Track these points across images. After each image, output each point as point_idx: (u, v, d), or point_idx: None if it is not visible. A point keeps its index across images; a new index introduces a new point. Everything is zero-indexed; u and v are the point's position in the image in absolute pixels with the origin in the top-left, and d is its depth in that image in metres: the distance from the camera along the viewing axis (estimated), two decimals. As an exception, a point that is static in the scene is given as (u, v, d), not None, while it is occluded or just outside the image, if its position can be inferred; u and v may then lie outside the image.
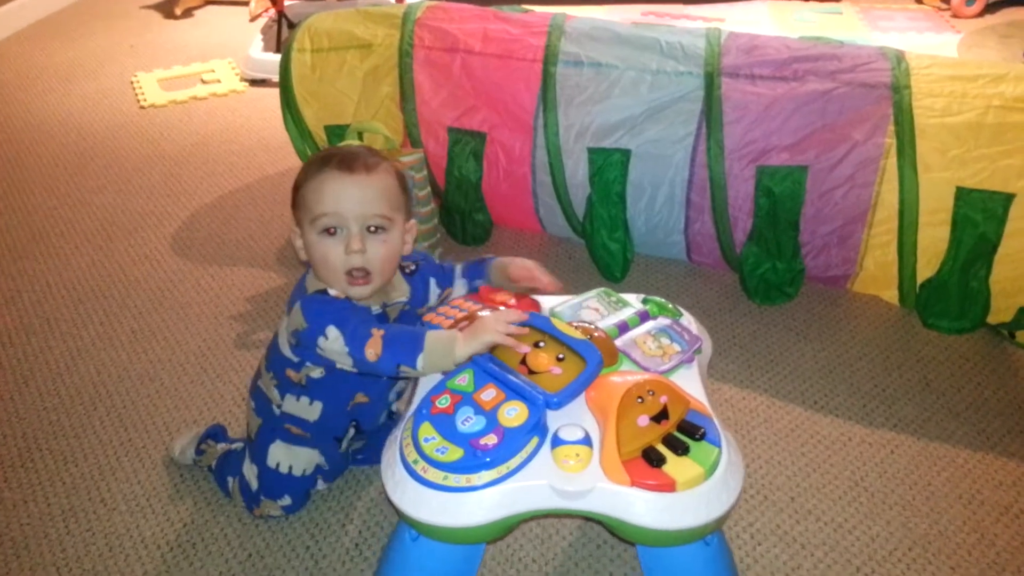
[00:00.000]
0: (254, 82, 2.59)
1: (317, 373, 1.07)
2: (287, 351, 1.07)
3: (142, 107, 2.47)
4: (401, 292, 1.10)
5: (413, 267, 1.13)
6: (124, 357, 1.51)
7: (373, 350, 0.95)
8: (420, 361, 0.94)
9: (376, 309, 1.06)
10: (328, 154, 1.03)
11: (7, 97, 2.57)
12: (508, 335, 0.94)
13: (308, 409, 1.11)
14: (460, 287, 1.17)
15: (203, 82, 2.61)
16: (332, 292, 1.02)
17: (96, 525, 1.20)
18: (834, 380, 1.42)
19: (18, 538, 1.19)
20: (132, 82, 2.63)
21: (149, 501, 1.24)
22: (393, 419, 1.24)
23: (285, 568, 1.13)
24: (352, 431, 1.17)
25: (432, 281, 1.15)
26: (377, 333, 0.96)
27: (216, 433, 1.27)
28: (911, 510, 1.19)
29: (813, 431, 1.32)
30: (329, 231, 1.00)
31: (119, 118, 2.41)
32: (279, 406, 1.12)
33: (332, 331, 0.97)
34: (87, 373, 1.48)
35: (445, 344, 0.95)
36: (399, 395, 1.20)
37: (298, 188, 1.03)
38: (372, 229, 1.01)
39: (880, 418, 1.34)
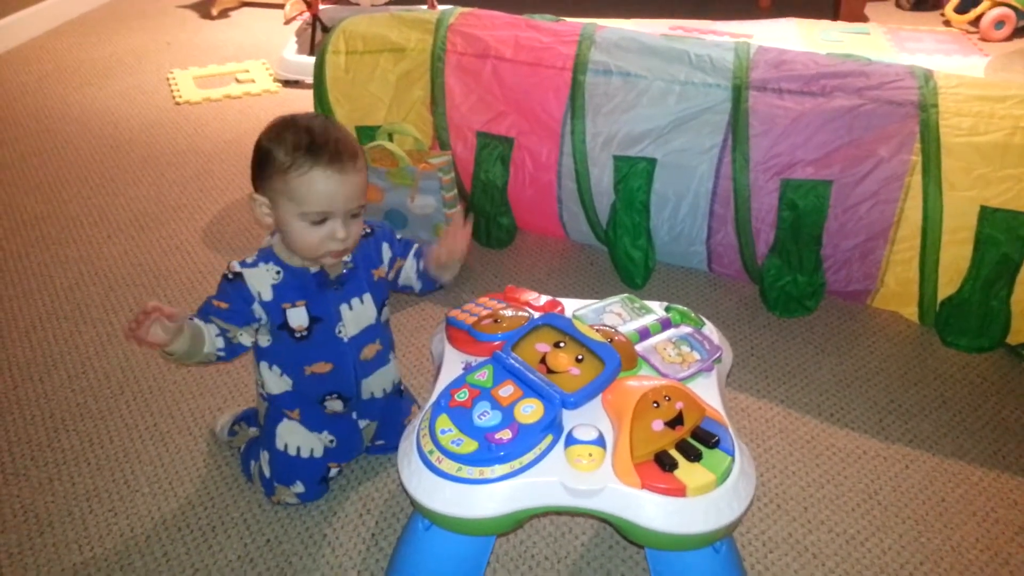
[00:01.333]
0: (287, 83, 2.63)
1: (247, 340, 1.11)
2: None
3: (177, 103, 2.52)
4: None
5: (368, 231, 1.16)
6: (152, 344, 1.55)
7: None
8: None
9: (313, 268, 1.10)
10: (313, 142, 1.00)
11: (46, 90, 2.63)
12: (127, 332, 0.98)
13: (280, 380, 1.15)
14: (410, 265, 1.20)
15: (237, 81, 2.66)
16: (231, 265, 1.08)
17: (119, 506, 1.23)
18: (851, 394, 1.43)
19: (43, 515, 1.22)
20: (168, 79, 2.69)
21: (171, 485, 1.26)
22: (403, 396, 1.27)
23: (303, 555, 1.15)
24: (336, 399, 1.17)
25: (385, 246, 1.18)
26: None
27: (250, 416, 1.30)
28: (924, 525, 1.20)
29: (828, 443, 1.33)
30: (317, 222, 1.03)
31: (154, 113, 2.47)
32: (262, 384, 1.16)
33: (215, 302, 1.07)
34: (115, 359, 1.52)
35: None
36: (386, 358, 1.22)
37: (275, 166, 1.01)
38: (352, 215, 1.06)
39: (896, 433, 1.35)
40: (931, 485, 1.26)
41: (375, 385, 1.21)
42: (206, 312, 1.07)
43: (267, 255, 1.09)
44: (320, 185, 1.01)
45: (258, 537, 1.18)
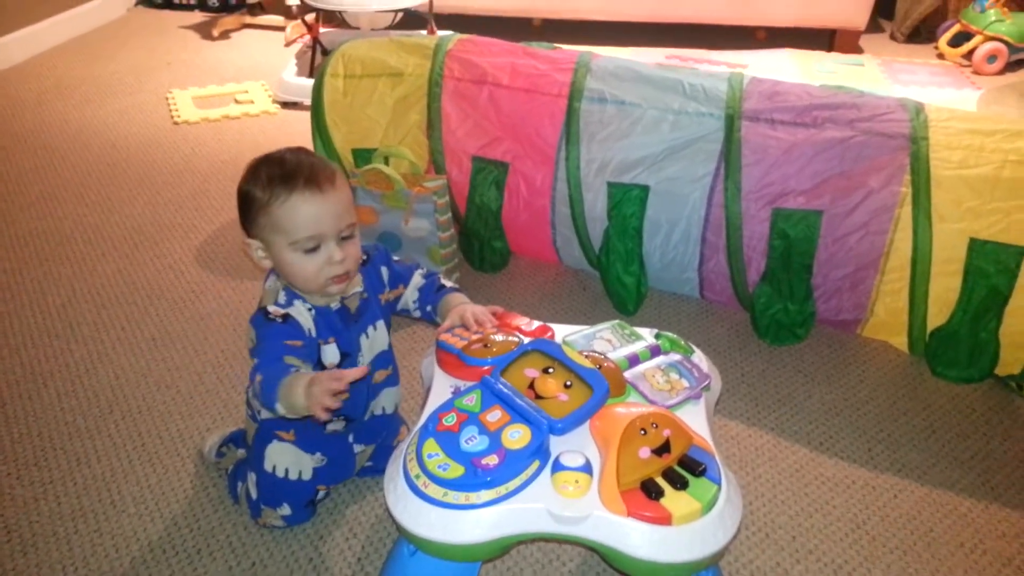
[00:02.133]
0: (286, 104, 2.65)
1: None
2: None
3: (175, 123, 2.54)
4: (356, 283, 1.14)
5: (365, 257, 1.16)
6: (143, 363, 1.55)
7: (253, 390, 1.03)
8: (279, 407, 0.97)
9: (335, 305, 1.10)
10: (285, 172, 1.01)
11: (45, 106, 2.64)
12: (325, 407, 0.92)
13: None
14: (412, 294, 1.20)
15: (236, 102, 2.68)
16: (271, 309, 1.05)
17: (104, 526, 1.22)
18: (840, 422, 1.43)
19: (27, 536, 1.21)
20: (167, 98, 2.71)
21: (158, 505, 1.26)
22: (397, 415, 1.27)
23: (281, 568, 1.15)
24: (340, 420, 1.17)
25: (384, 270, 1.18)
26: (257, 379, 0.99)
27: (238, 438, 1.29)
28: (912, 555, 1.19)
29: (817, 472, 1.33)
30: (310, 250, 1.03)
31: (153, 132, 2.48)
32: (258, 411, 1.15)
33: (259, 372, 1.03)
34: (105, 377, 1.51)
35: (292, 394, 0.95)
36: (394, 380, 1.22)
37: (256, 204, 1.02)
38: (344, 236, 1.06)
39: (884, 462, 1.35)
40: (919, 515, 1.26)
41: (377, 407, 1.22)
42: (278, 358, 1.00)
43: (291, 294, 1.07)
44: (303, 210, 1.01)
45: (243, 560, 1.17)
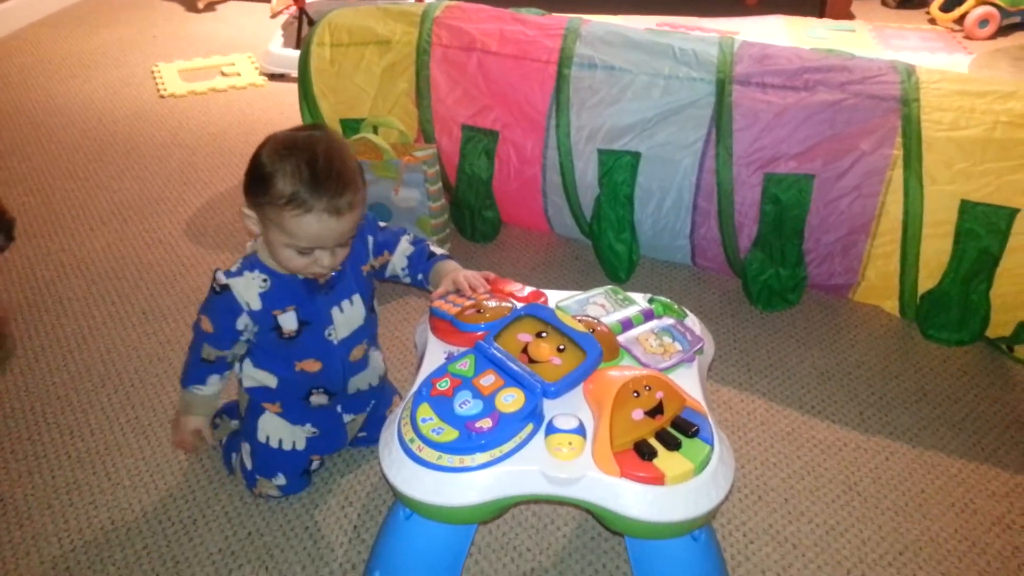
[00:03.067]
0: (273, 76, 2.62)
1: (243, 349, 1.13)
2: None
3: (162, 96, 2.51)
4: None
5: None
6: (134, 337, 1.54)
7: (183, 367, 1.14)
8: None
9: (301, 275, 1.09)
10: (313, 185, 0.97)
11: (30, 82, 2.61)
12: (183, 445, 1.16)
13: (263, 375, 1.14)
14: (400, 261, 1.19)
15: (223, 74, 2.65)
16: (218, 276, 1.07)
17: (99, 498, 1.23)
18: (832, 386, 1.44)
19: (22, 508, 1.21)
20: (153, 72, 2.67)
21: (153, 477, 1.26)
22: (385, 388, 1.28)
23: (284, 547, 1.15)
24: (323, 393, 1.17)
25: (370, 239, 1.17)
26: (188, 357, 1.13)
27: (231, 409, 1.29)
28: (903, 516, 1.20)
29: (809, 435, 1.34)
30: (304, 251, 1.02)
31: (139, 106, 2.45)
32: (243, 378, 1.16)
33: (204, 321, 1.09)
34: (97, 351, 1.51)
35: (180, 406, 1.15)
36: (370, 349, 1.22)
37: (269, 196, 0.99)
38: (341, 244, 1.05)
39: (876, 425, 1.36)
40: (910, 476, 1.27)
41: (362, 382, 1.21)
42: (196, 348, 1.11)
43: (252, 263, 1.08)
44: (314, 228, 0.99)
45: (239, 530, 1.18)
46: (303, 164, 0.97)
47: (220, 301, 1.07)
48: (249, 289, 1.06)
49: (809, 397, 1.41)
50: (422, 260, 1.18)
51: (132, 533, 1.17)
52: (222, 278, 1.06)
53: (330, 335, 1.12)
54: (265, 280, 1.07)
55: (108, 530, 1.18)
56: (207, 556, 1.14)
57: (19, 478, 1.26)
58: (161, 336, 1.54)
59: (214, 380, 1.12)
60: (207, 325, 1.08)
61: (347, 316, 1.13)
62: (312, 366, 1.13)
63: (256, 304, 1.07)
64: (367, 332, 1.18)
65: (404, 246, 1.19)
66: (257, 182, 1.00)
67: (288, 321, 1.09)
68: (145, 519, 1.19)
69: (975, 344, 1.51)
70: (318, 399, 1.17)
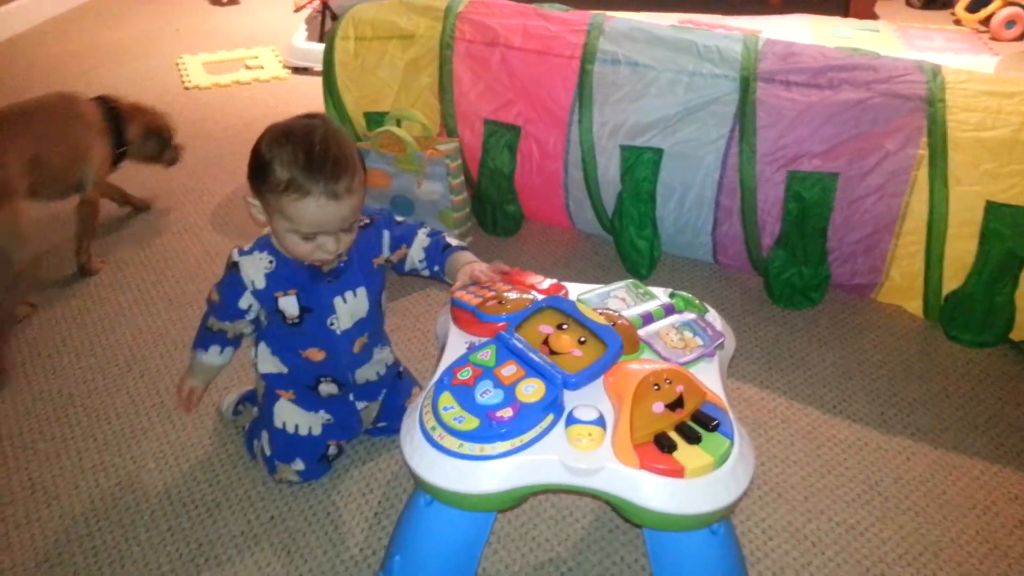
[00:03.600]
0: (296, 70, 2.64)
1: (247, 328, 1.17)
2: None
3: (186, 88, 2.53)
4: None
5: (367, 221, 1.16)
6: (160, 324, 1.56)
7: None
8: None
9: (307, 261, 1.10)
10: (309, 168, 0.98)
11: (57, 72, 2.64)
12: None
13: (274, 361, 1.17)
14: (417, 253, 1.20)
15: (247, 67, 2.67)
16: (233, 253, 1.11)
17: (125, 480, 1.25)
18: (853, 386, 1.43)
19: (50, 488, 1.23)
20: (177, 64, 2.70)
21: (178, 461, 1.28)
22: (402, 379, 1.29)
23: (306, 532, 1.16)
24: (332, 383, 1.19)
25: (386, 234, 1.18)
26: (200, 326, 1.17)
27: (251, 396, 1.30)
28: (924, 517, 1.20)
29: (830, 434, 1.34)
30: (308, 237, 1.04)
31: (164, 97, 2.48)
32: (257, 364, 1.19)
33: (213, 292, 1.14)
34: (123, 336, 1.53)
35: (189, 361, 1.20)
36: (381, 344, 1.24)
37: (269, 184, 1.00)
38: (344, 229, 1.06)
39: (898, 425, 1.35)
40: (932, 478, 1.26)
41: (369, 372, 1.23)
42: (205, 315, 1.16)
43: (264, 243, 1.11)
44: (313, 212, 1.00)
45: (262, 514, 1.19)
46: (299, 150, 0.99)
47: (229, 277, 1.11)
48: (256, 268, 1.10)
49: (830, 396, 1.41)
50: (437, 252, 1.19)
51: (157, 515, 1.19)
52: (235, 255, 1.11)
53: (332, 324, 1.13)
54: (271, 261, 1.10)
55: (134, 511, 1.20)
56: (230, 539, 1.15)
57: (47, 459, 1.28)
58: (187, 323, 1.56)
59: (215, 350, 1.16)
60: (214, 296, 1.14)
61: (350, 306, 1.14)
62: (316, 355, 1.15)
63: (261, 283, 1.10)
64: (370, 325, 1.19)
65: (421, 239, 1.20)
66: (257, 170, 1.02)
67: (289, 305, 1.11)
68: (169, 501, 1.21)
69: (999, 346, 1.50)
70: (327, 388, 1.19)
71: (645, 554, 1.14)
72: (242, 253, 1.10)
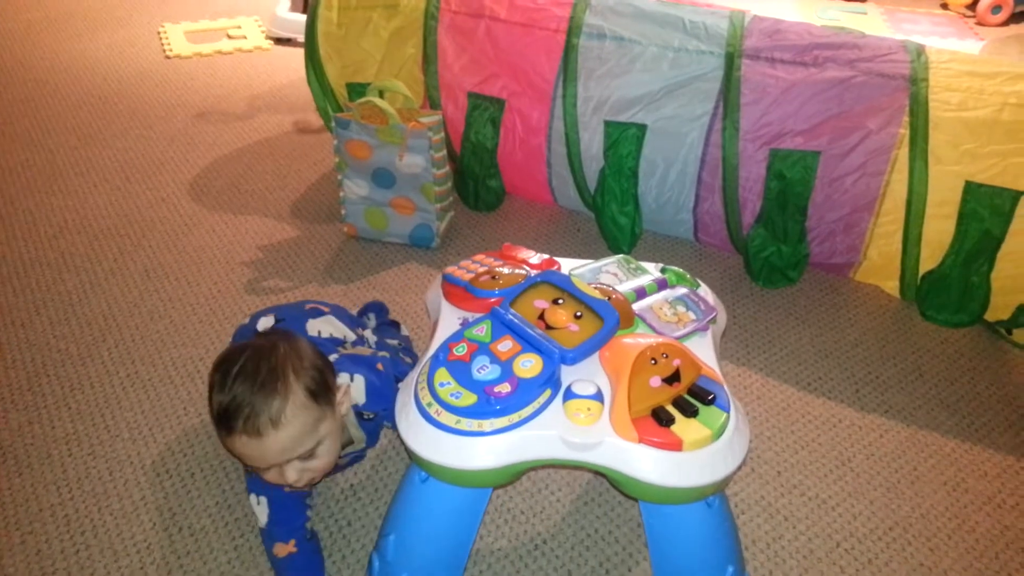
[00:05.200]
0: (279, 41, 2.61)
1: None
2: None
3: (167, 57, 2.50)
4: (359, 441, 1.12)
5: (372, 416, 1.10)
6: (135, 294, 1.54)
7: (278, 554, 1.03)
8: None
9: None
10: (226, 409, 0.92)
11: (35, 38, 2.59)
12: None
13: None
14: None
15: (229, 37, 2.63)
16: None
17: (98, 450, 1.24)
18: (829, 364, 1.44)
19: (21, 457, 1.22)
20: (159, 32, 2.66)
21: (152, 431, 1.27)
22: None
23: (280, 502, 1.16)
24: None
25: (386, 425, 1.13)
26: (287, 547, 1.03)
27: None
28: (895, 492, 1.21)
29: (804, 411, 1.35)
30: (263, 468, 0.98)
31: (144, 66, 2.44)
32: None
33: (261, 500, 1.04)
34: (98, 306, 1.51)
35: None
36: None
37: (210, 408, 0.96)
38: (305, 456, 0.98)
39: (872, 403, 1.36)
40: (904, 454, 1.28)
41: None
42: (294, 515, 1.06)
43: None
44: (241, 449, 0.95)
45: (237, 485, 1.18)
46: (215, 401, 0.93)
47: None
48: None
49: (806, 374, 1.42)
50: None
51: (130, 484, 1.18)
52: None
53: None
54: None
55: (106, 481, 1.19)
56: (204, 509, 1.15)
57: (19, 428, 1.27)
58: (162, 294, 1.55)
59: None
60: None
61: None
62: None
63: None
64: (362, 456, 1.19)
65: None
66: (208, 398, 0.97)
67: None
68: (143, 471, 1.20)
69: (974, 327, 1.52)
70: None
71: (619, 526, 1.15)
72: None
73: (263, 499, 1.04)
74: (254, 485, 1.04)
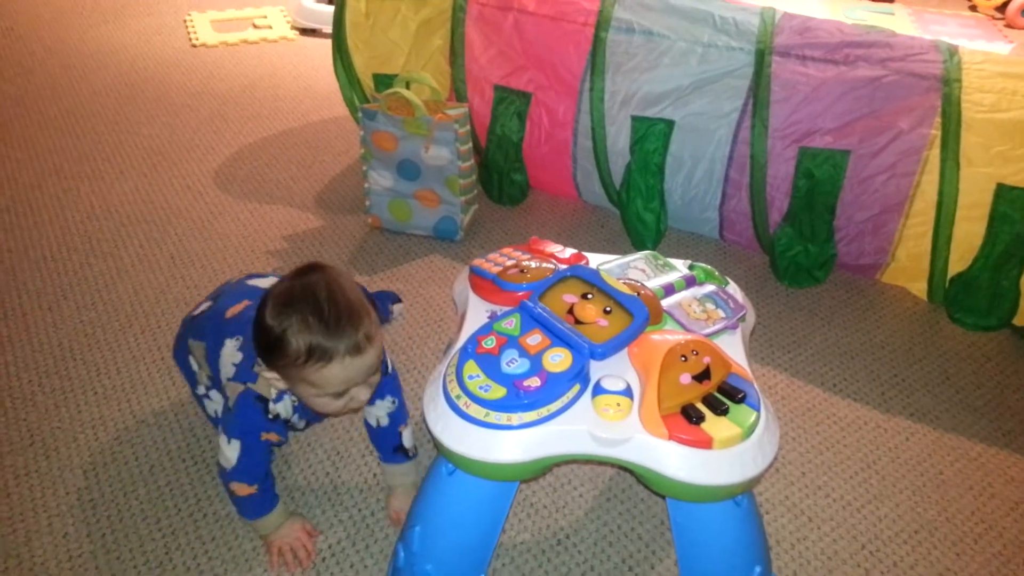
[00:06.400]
0: (304, 31, 2.61)
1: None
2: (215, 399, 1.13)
3: (193, 45, 2.51)
4: None
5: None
6: (162, 280, 1.55)
7: (237, 492, 1.05)
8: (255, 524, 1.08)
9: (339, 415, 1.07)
10: (327, 336, 0.93)
11: (63, 24, 2.61)
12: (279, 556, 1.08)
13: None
14: (373, 417, 1.14)
15: (255, 27, 2.64)
16: (271, 408, 1.04)
17: (124, 435, 1.25)
18: (855, 366, 1.43)
19: (48, 440, 1.23)
20: (185, 21, 2.67)
21: (177, 417, 1.27)
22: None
23: (304, 490, 1.17)
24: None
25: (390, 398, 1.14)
26: (249, 488, 1.05)
27: None
28: (921, 496, 1.20)
29: (829, 412, 1.34)
30: (338, 394, 0.99)
31: (171, 54, 2.45)
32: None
33: (234, 444, 1.03)
34: (125, 292, 1.52)
35: (266, 525, 1.09)
36: None
37: (287, 359, 0.94)
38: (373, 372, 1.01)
39: (897, 406, 1.35)
40: (930, 458, 1.26)
41: None
42: (260, 463, 1.06)
43: (284, 392, 1.05)
44: (339, 373, 0.95)
45: (261, 472, 1.19)
46: (310, 316, 0.93)
47: (273, 423, 1.07)
48: (287, 409, 1.07)
49: (831, 375, 1.41)
50: (389, 448, 1.15)
51: (156, 469, 1.19)
52: (274, 408, 1.06)
53: None
54: (294, 401, 1.07)
55: (132, 465, 1.20)
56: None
57: (46, 411, 1.28)
58: (188, 280, 1.55)
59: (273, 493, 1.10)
60: (269, 436, 1.07)
61: None
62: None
63: (291, 416, 1.09)
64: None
65: (387, 405, 1.14)
66: (270, 347, 0.96)
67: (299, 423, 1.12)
68: (169, 456, 1.21)
69: (1001, 331, 1.50)
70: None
71: (642, 523, 1.15)
72: (275, 401, 1.05)
73: (235, 442, 1.03)
74: (233, 429, 1.03)
